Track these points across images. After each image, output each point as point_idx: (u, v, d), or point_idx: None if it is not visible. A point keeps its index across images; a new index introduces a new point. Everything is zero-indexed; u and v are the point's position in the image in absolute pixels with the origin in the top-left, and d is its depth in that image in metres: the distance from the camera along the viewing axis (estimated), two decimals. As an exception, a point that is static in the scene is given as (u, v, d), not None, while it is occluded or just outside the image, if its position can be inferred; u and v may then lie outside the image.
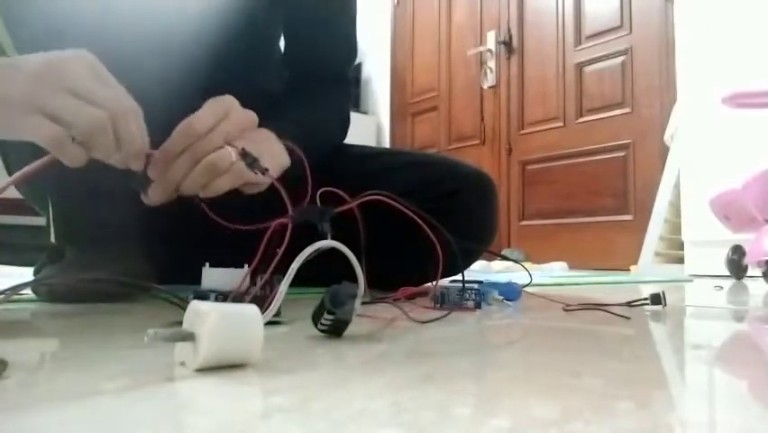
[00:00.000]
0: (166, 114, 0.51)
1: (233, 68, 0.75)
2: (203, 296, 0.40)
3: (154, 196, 0.49)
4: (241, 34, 0.75)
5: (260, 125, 0.59)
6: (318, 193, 0.45)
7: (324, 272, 0.45)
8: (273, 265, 0.40)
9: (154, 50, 0.58)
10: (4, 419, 0.19)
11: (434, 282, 0.53)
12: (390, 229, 0.58)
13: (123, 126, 0.44)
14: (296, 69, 0.83)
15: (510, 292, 0.61)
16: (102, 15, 0.55)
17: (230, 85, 0.75)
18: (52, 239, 0.63)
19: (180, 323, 0.27)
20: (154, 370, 0.27)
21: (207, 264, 0.43)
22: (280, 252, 0.40)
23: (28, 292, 0.58)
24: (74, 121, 0.42)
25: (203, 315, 0.26)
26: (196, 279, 0.44)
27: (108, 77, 0.45)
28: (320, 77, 0.81)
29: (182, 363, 0.27)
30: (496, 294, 0.58)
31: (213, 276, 0.42)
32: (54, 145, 0.42)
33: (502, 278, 0.79)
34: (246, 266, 0.42)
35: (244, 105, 0.64)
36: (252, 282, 0.42)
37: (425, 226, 0.47)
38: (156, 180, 0.49)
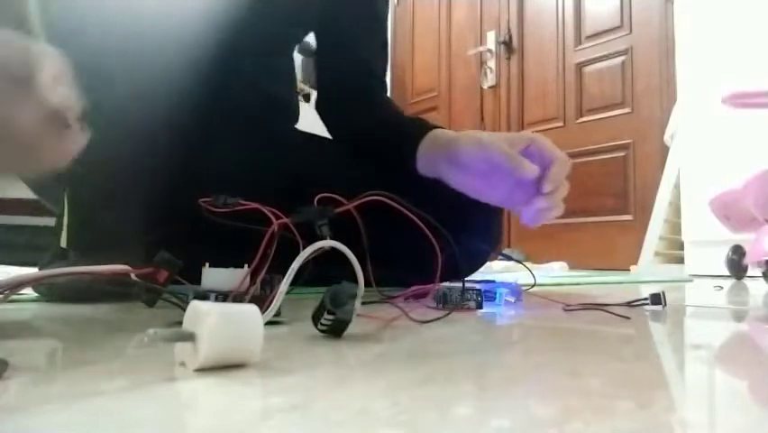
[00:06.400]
0: (169, 112, 0.51)
1: (243, 72, 0.76)
2: (203, 296, 0.40)
3: None
4: (257, 42, 0.75)
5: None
6: (316, 198, 0.44)
7: (327, 273, 0.45)
8: (267, 265, 0.40)
9: (158, 47, 0.58)
10: (4, 419, 0.19)
11: (434, 284, 0.53)
12: (397, 229, 0.59)
13: None
14: (335, 76, 0.85)
15: (510, 292, 0.61)
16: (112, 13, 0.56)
17: (238, 87, 0.75)
18: (63, 244, 0.63)
19: (180, 323, 0.27)
20: (154, 370, 0.27)
21: (207, 264, 0.43)
22: (272, 252, 0.40)
23: (29, 292, 0.58)
24: None
25: (203, 315, 0.26)
26: (196, 279, 0.43)
27: None
28: (360, 83, 0.84)
29: (182, 364, 0.27)
30: (508, 293, 0.59)
31: (213, 276, 0.42)
32: None
33: (507, 278, 0.80)
34: (246, 266, 0.42)
35: (252, 108, 0.64)
36: (252, 282, 0.42)
37: (422, 226, 0.46)
38: None
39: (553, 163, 0.64)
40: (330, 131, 0.89)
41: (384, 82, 0.89)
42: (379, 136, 0.79)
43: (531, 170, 0.62)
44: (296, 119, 0.93)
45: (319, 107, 0.89)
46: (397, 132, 0.78)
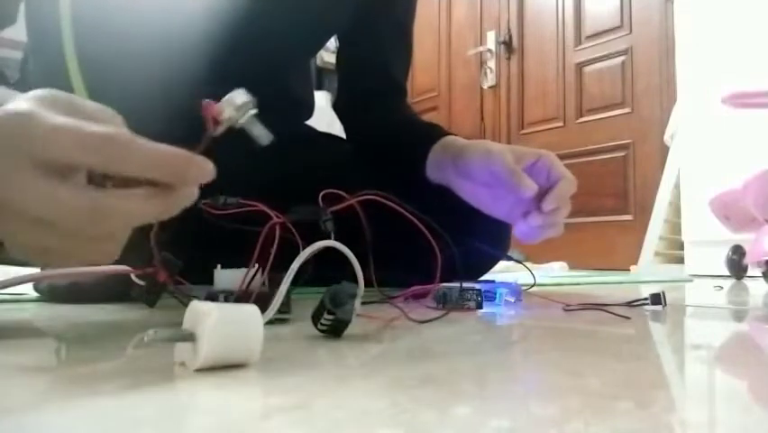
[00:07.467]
0: (180, 100, 0.52)
1: (270, 75, 0.76)
2: (214, 296, 0.40)
3: None
4: (288, 49, 0.76)
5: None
6: (321, 195, 0.44)
7: (327, 273, 0.45)
8: (269, 264, 0.40)
9: (172, 36, 0.58)
10: (5, 418, 0.19)
11: (434, 285, 0.53)
12: (396, 230, 0.59)
13: None
14: (355, 78, 0.87)
15: (510, 292, 0.61)
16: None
17: (265, 90, 0.76)
18: None
19: (180, 323, 0.27)
20: (154, 370, 0.27)
21: (219, 266, 0.43)
22: (273, 251, 0.40)
23: (29, 292, 0.58)
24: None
25: (203, 315, 0.26)
26: (196, 279, 0.44)
27: None
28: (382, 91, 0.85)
29: (182, 364, 0.27)
30: (508, 293, 0.59)
31: (224, 277, 0.42)
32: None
33: (507, 278, 0.80)
34: (257, 266, 0.43)
35: (270, 105, 0.65)
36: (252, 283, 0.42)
37: (420, 225, 0.46)
38: None
39: (560, 181, 0.63)
40: (346, 130, 0.90)
41: (405, 90, 0.90)
42: (394, 136, 0.80)
43: (529, 187, 0.61)
44: (309, 115, 0.93)
45: (337, 107, 0.90)
46: (412, 133, 0.78)
